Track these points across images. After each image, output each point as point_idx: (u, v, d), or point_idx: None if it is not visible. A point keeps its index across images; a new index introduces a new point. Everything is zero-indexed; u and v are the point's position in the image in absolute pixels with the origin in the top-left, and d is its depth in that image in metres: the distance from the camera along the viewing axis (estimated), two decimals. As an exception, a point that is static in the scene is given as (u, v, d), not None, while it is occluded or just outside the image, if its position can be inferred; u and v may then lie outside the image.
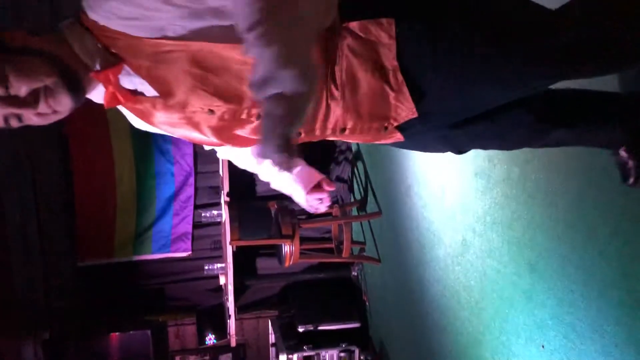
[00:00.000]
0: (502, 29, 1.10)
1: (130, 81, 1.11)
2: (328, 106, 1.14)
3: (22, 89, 1.04)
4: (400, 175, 3.46)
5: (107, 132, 4.08)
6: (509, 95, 1.24)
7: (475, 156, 2.52)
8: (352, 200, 4.51)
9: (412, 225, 3.31)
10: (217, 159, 4.04)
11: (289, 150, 0.95)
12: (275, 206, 3.84)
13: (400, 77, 1.11)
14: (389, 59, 1.10)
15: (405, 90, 1.13)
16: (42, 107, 1.07)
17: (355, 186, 4.48)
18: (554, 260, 1.99)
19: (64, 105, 1.08)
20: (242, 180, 4.18)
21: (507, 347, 2.32)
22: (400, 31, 1.08)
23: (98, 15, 1.03)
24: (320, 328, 4.17)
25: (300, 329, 4.13)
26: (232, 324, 3.98)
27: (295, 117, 0.95)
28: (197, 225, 4.42)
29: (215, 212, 4.19)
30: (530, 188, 2.13)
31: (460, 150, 1.47)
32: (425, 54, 1.09)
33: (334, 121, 1.17)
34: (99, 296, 4.28)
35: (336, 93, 1.13)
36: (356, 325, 4.23)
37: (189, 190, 4.36)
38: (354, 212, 4.31)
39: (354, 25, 1.09)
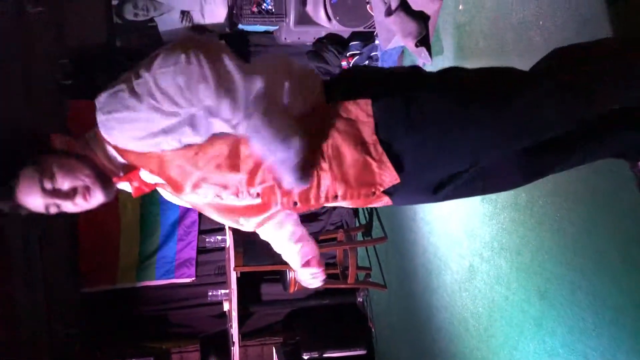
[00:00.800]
0: (467, 91, 1.25)
1: (151, 176, 1.30)
2: (318, 176, 1.26)
3: (65, 185, 1.26)
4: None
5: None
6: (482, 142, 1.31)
7: (481, 181, 2.50)
8: (357, 225, 4.48)
9: (419, 250, 3.28)
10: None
11: (306, 171, 1.19)
12: (280, 231, 3.80)
13: (380, 149, 1.23)
14: (369, 134, 1.23)
15: (386, 159, 1.24)
16: (79, 200, 1.28)
17: (360, 211, 4.45)
18: (564, 287, 1.96)
19: (97, 199, 1.30)
20: (247, 205, 4.17)
21: (517, 376, 2.28)
22: (376, 109, 1.23)
23: (108, 138, 1.22)
24: (325, 355, 4.11)
25: (305, 357, 4.07)
26: (236, 351, 3.92)
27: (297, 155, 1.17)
28: (201, 250, 4.39)
29: (219, 238, 4.17)
30: (537, 213, 2.10)
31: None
32: (399, 121, 1.23)
33: (325, 190, 1.29)
34: (103, 323, 4.24)
35: (324, 165, 1.25)
36: (362, 352, 4.17)
37: (193, 216, 4.34)
38: (359, 237, 4.28)
39: (337, 105, 1.25)
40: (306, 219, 4.44)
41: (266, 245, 3.91)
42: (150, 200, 4.25)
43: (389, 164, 1.24)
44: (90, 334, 4.18)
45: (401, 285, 3.62)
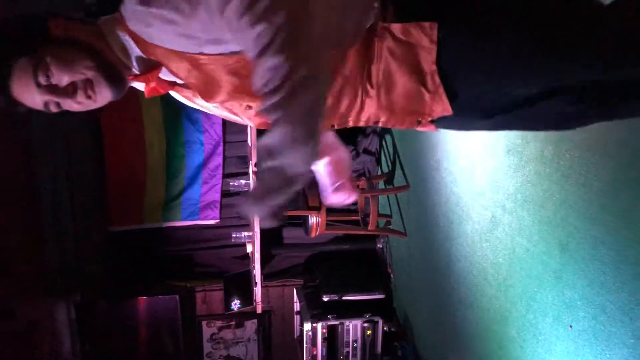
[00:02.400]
0: (546, 26, 1.07)
1: (169, 74, 1.16)
2: (363, 102, 1.17)
3: (63, 80, 1.11)
4: (430, 150, 3.43)
5: (137, 99, 4.11)
6: (551, 84, 1.18)
7: (507, 133, 2.48)
8: (380, 173, 4.49)
9: (440, 200, 3.29)
10: (246, 129, 4.05)
11: (274, 217, 1.06)
12: (303, 177, 3.84)
13: (437, 80, 1.12)
14: (428, 63, 1.10)
15: (442, 92, 1.13)
16: (81, 97, 1.13)
17: (383, 159, 4.45)
18: (586, 241, 1.97)
19: (104, 96, 1.15)
20: (270, 150, 4.19)
21: (534, 326, 2.32)
22: (442, 35, 1.08)
23: (137, 29, 1.08)
24: (344, 298, 4.21)
25: (325, 299, 4.17)
26: (258, 291, 4.04)
27: (287, 194, 1.04)
28: (225, 194, 4.46)
29: (243, 182, 4.22)
30: (564, 167, 2.09)
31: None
32: (466, 56, 1.09)
33: (367, 115, 1.20)
34: (129, 261, 4.37)
35: (372, 92, 1.15)
36: (380, 296, 4.27)
37: (218, 159, 4.39)
38: (381, 185, 4.30)
39: (395, 27, 1.09)
40: (329, 165, 4.45)
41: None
42: (175, 141, 4.30)
43: (444, 97, 1.14)
44: (117, 272, 4.32)
45: (421, 233, 3.66)
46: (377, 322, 4.09)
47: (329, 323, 4.05)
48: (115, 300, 4.45)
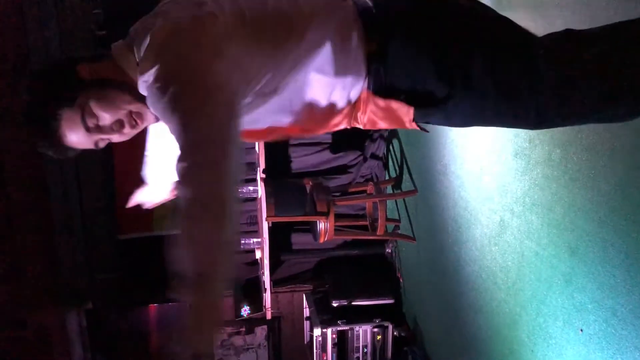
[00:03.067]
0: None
1: None
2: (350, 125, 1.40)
3: (108, 119, 1.20)
4: (437, 154, 3.43)
5: (146, 107, 4.13)
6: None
7: (515, 136, 2.48)
8: (387, 178, 4.50)
9: (448, 204, 3.29)
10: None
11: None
12: (310, 183, 3.85)
13: (414, 124, 1.33)
14: (408, 121, 1.32)
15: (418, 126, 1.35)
16: (128, 130, 1.25)
17: (390, 164, 4.45)
18: (596, 244, 1.96)
19: (148, 121, 1.27)
20: (278, 157, 4.21)
21: (544, 330, 2.31)
22: (418, 115, 1.30)
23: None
24: (354, 303, 4.21)
25: (335, 304, 4.17)
26: (267, 297, 4.04)
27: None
28: (233, 200, 4.46)
29: (251, 188, 4.23)
30: (572, 170, 2.09)
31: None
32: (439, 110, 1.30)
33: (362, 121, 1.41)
34: (139, 268, 4.39)
35: (358, 124, 1.38)
36: (390, 301, 4.26)
37: (226, 166, 4.40)
38: (389, 190, 4.30)
39: (378, 100, 1.29)
40: (336, 171, 4.46)
41: (297, 197, 3.97)
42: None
43: (419, 126, 1.35)
44: (127, 279, 4.33)
45: (430, 237, 3.65)
46: (387, 327, 4.08)
47: (338, 328, 4.05)
48: (126, 308, 4.47)
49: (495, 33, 1.25)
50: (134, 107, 1.21)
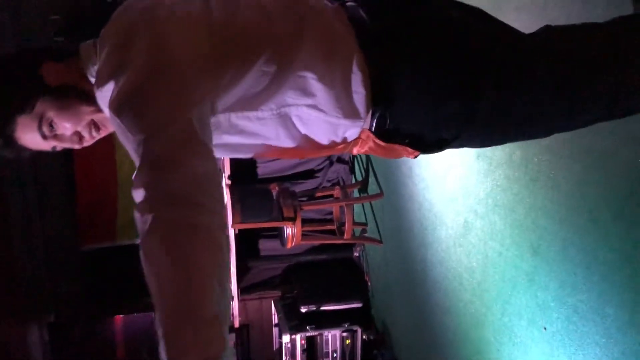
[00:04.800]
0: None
1: None
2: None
3: (67, 129, 1.13)
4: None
5: (106, 117, 4.06)
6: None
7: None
8: (354, 181, 4.51)
9: (414, 206, 3.31)
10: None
11: None
12: (277, 188, 3.84)
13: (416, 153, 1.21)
14: (411, 155, 1.21)
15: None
16: (87, 140, 1.17)
17: (357, 167, 4.47)
18: (557, 243, 2.00)
19: (108, 130, 1.18)
20: (243, 162, 4.18)
21: (510, 329, 2.34)
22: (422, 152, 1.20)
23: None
24: (322, 308, 4.20)
25: (303, 310, 4.16)
26: (235, 305, 4.01)
27: None
28: (198, 207, 4.41)
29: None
30: (532, 171, 2.12)
31: None
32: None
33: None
34: (103, 279, 4.30)
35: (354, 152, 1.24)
36: (358, 305, 4.26)
37: (190, 173, 4.35)
38: (356, 194, 4.31)
39: (379, 141, 1.15)
40: (303, 176, 4.46)
41: (263, 202, 3.93)
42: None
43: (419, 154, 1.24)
44: (91, 290, 4.24)
45: (397, 240, 3.67)
46: (355, 331, 4.08)
47: (307, 334, 4.03)
48: (90, 320, 4.37)
49: (498, 57, 1.11)
50: (97, 117, 1.14)
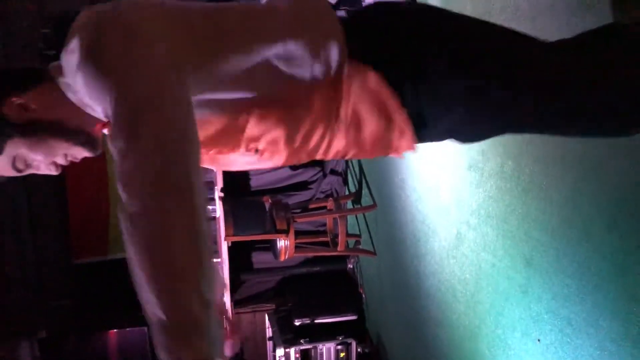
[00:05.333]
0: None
1: None
2: (331, 140, 1.15)
3: (41, 163, 1.09)
4: (394, 168, 3.45)
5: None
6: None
7: (468, 149, 2.50)
8: (347, 193, 4.49)
9: (407, 218, 3.30)
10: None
11: None
12: (270, 201, 3.82)
13: (405, 118, 1.12)
14: (395, 108, 1.11)
15: (409, 130, 1.14)
16: (61, 168, 1.13)
17: (350, 179, 4.46)
18: (550, 254, 1.98)
19: (83, 156, 1.13)
20: (236, 175, 4.16)
21: (503, 341, 2.32)
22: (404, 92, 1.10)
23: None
24: (317, 321, 4.16)
25: (297, 323, 4.12)
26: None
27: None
28: (191, 220, 4.38)
29: (209, 208, 4.17)
30: (524, 181, 2.11)
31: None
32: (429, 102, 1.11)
33: (335, 151, 1.18)
34: (95, 293, 4.26)
35: (341, 129, 1.13)
36: (353, 317, 4.23)
37: (183, 186, 4.33)
38: (349, 205, 4.29)
39: (358, 69, 1.09)
40: (296, 187, 4.44)
41: (256, 215, 3.91)
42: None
43: (410, 134, 1.15)
44: (84, 305, 4.20)
45: (390, 252, 3.65)
46: (350, 343, 4.04)
47: (301, 347, 4.00)
48: (83, 335, 4.32)
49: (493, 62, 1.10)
50: (68, 149, 1.09)
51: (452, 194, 2.71)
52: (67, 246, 4.18)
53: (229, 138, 1.11)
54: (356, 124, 1.13)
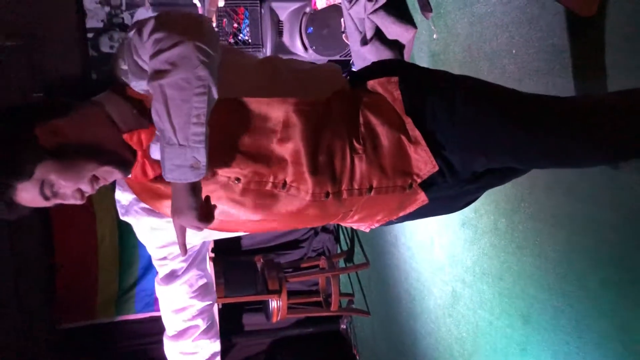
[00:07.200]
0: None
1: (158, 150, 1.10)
2: (352, 162, 1.19)
3: (69, 188, 1.11)
4: (386, 226, 3.44)
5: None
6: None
7: (461, 206, 2.52)
8: (339, 251, 4.47)
9: (401, 276, 3.28)
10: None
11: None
12: (262, 260, 3.79)
13: (415, 129, 1.19)
14: (402, 114, 1.20)
15: (422, 141, 1.19)
16: (89, 192, 1.14)
17: (342, 237, 4.45)
18: (547, 311, 1.97)
19: (114, 178, 1.16)
20: (227, 235, 4.13)
21: (504, 402, 2.27)
22: (404, 87, 1.21)
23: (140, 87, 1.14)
24: (310, 385, 4.06)
25: (290, 387, 4.01)
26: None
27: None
28: (181, 282, 4.32)
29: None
30: (518, 238, 2.12)
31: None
32: (439, 108, 1.19)
33: (359, 178, 1.20)
34: (81, 358, 4.13)
35: (358, 147, 1.18)
36: (347, 380, 4.13)
37: (173, 247, 4.28)
38: (341, 264, 4.26)
39: (369, 84, 1.24)
40: (287, 246, 4.42)
41: (248, 275, 3.86)
42: (127, 230, 4.19)
43: (425, 147, 1.19)
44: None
45: (385, 311, 3.61)
46: (345, 408, 3.93)
47: (295, 413, 3.88)
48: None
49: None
50: (100, 171, 1.11)
51: (446, 251, 2.70)
52: (53, 310, 4.07)
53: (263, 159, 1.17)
54: (372, 139, 1.20)
